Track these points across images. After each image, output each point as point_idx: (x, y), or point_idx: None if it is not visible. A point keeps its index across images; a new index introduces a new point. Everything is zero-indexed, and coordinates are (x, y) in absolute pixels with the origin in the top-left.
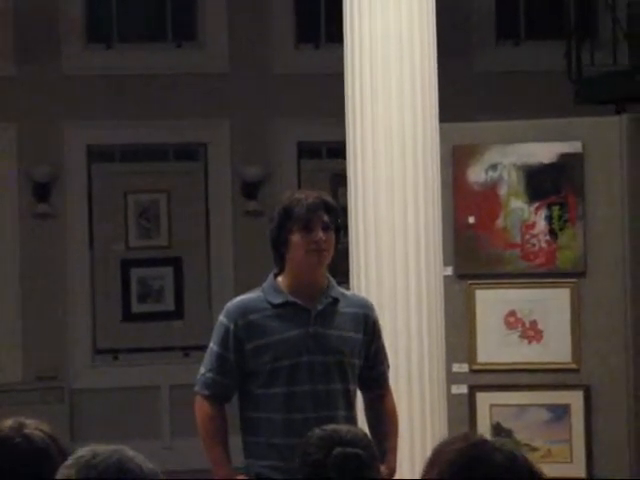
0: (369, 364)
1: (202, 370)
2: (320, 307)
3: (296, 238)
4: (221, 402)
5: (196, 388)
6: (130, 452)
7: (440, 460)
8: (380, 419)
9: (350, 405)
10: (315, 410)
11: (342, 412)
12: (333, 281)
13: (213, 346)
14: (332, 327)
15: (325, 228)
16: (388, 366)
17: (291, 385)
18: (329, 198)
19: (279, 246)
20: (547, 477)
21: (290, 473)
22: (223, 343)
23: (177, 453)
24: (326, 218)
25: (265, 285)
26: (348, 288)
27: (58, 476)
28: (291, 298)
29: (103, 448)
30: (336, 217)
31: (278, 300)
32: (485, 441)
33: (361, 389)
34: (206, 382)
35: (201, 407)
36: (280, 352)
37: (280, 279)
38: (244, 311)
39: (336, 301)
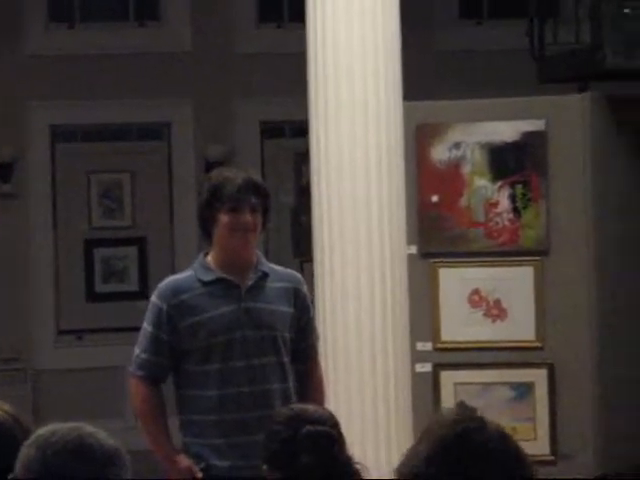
0: (298, 337)
1: (136, 351)
2: (250, 282)
3: (224, 219)
4: (156, 382)
5: (130, 369)
6: (90, 429)
7: (430, 435)
8: (308, 391)
9: (285, 378)
10: (249, 384)
11: (277, 385)
12: (262, 257)
13: (147, 327)
14: (263, 301)
15: (253, 210)
16: (317, 338)
17: (225, 361)
18: (259, 179)
19: (206, 224)
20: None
21: (229, 450)
22: (156, 323)
23: (140, 434)
24: (254, 200)
25: (195, 264)
26: (312, 267)
27: (20, 456)
28: (221, 274)
29: (61, 426)
30: (265, 198)
31: (208, 277)
32: (476, 417)
33: (290, 361)
34: (141, 363)
35: (137, 389)
36: (213, 329)
37: (209, 257)
38: (175, 291)
39: (266, 276)
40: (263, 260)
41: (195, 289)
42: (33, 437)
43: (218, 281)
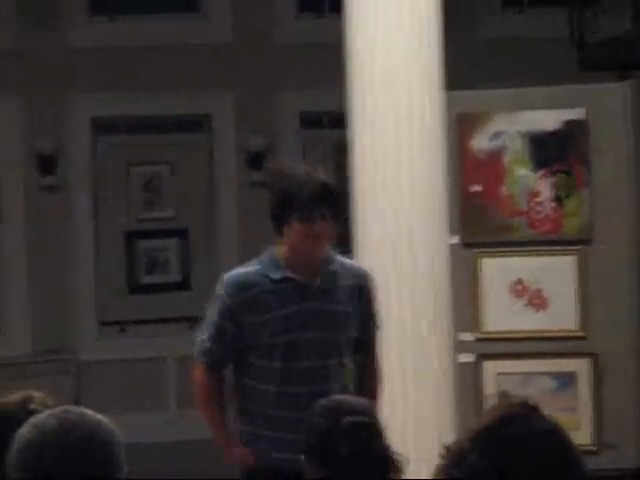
0: (361, 330)
1: (201, 337)
2: (318, 282)
3: (296, 226)
4: (218, 369)
5: (195, 354)
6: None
7: (479, 419)
8: (365, 380)
9: (344, 377)
10: (309, 385)
11: (336, 384)
12: (332, 253)
13: (212, 315)
14: (330, 302)
15: (325, 218)
16: (378, 327)
17: (288, 361)
18: (330, 181)
19: (278, 222)
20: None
21: (283, 444)
22: (221, 315)
23: (184, 424)
24: (326, 209)
25: (264, 258)
26: (351, 257)
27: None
28: (290, 274)
29: (43, 424)
30: (337, 202)
31: (277, 276)
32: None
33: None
34: (204, 350)
35: (199, 374)
36: (277, 329)
37: (279, 252)
38: (242, 286)
39: (334, 275)
40: (333, 257)
41: (262, 286)
42: (18, 442)
43: (286, 280)
